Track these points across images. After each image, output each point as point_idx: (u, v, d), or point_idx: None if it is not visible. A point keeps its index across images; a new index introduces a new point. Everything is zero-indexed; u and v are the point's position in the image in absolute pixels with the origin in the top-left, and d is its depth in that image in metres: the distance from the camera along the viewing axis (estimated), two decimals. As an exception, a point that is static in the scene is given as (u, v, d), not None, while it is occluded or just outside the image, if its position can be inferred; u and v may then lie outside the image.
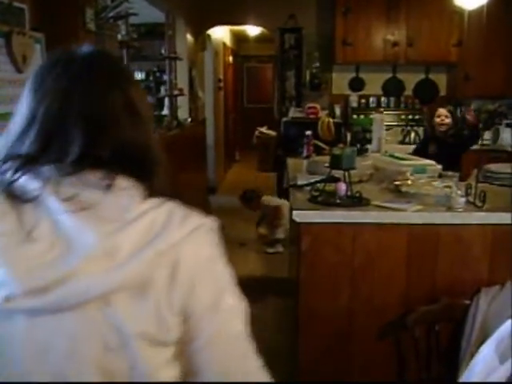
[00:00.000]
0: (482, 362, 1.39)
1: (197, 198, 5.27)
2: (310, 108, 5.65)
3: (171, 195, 0.85)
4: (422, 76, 6.22)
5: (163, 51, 5.66)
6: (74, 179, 0.77)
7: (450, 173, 2.83)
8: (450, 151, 3.77)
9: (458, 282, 2.23)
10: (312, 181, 2.60)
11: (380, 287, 2.27)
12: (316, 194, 2.38)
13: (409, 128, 5.82)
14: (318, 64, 6.33)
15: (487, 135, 5.46)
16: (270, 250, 5.07)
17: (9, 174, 0.78)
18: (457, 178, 2.75)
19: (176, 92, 5.74)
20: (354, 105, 6.31)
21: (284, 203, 4.79)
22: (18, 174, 0.77)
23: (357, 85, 6.33)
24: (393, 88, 6.26)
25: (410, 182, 2.57)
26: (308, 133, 3.81)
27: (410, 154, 3.62)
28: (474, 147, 4.56)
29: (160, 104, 5.85)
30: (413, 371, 2.11)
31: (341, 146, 2.86)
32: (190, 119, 6.07)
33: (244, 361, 0.84)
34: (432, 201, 2.32)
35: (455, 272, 2.25)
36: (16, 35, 2.38)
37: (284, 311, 3.53)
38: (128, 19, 3.94)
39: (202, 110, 7.29)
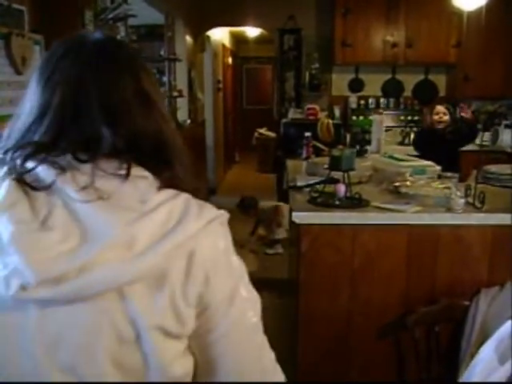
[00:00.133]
0: (482, 362, 1.39)
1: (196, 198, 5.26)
2: (309, 109, 5.66)
3: (192, 186, 0.84)
4: (422, 77, 6.22)
5: (162, 52, 5.67)
6: (89, 168, 0.75)
7: (449, 174, 2.83)
8: (449, 147, 3.78)
9: (458, 283, 2.23)
10: (311, 182, 2.60)
11: (380, 288, 2.27)
12: (315, 195, 2.38)
13: (408, 129, 5.82)
14: (317, 65, 6.33)
15: (486, 136, 5.46)
16: (270, 251, 5.07)
17: (18, 162, 0.76)
18: (456, 179, 2.76)
19: (175, 93, 5.74)
20: (354, 106, 6.30)
21: (283, 204, 4.79)
22: (31, 163, 0.76)
23: (356, 86, 6.33)
24: (392, 89, 6.26)
25: (409, 183, 2.57)
26: (307, 134, 3.81)
27: (409, 155, 3.62)
28: (474, 148, 4.56)
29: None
30: (413, 372, 2.11)
31: (340, 147, 2.86)
32: (189, 120, 6.08)
33: (259, 352, 0.85)
34: (431, 202, 2.32)
35: (455, 273, 2.25)
36: (15, 37, 2.38)
37: (284, 312, 3.53)
38: (127, 21, 3.94)
39: (202, 111, 7.29)
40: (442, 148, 3.73)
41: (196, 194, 0.84)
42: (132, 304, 0.74)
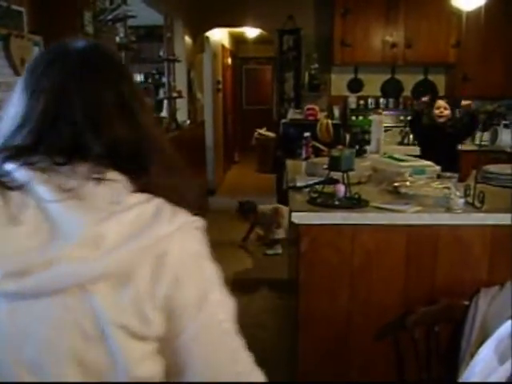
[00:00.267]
0: (482, 362, 1.39)
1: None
2: (308, 109, 5.66)
3: (173, 192, 0.84)
4: (421, 77, 6.23)
5: (162, 53, 5.67)
6: (64, 170, 0.78)
7: (448, 174, 2.83)
8: (450, 143, 3.79)
9: (458, 283, 2.23)
10: (311, 182, 2.60)
11: (379, 288, 2.27)
12: (315, 195, 2.38)
13: (408, 129, 5.82)
14: (316, 65, 6.33)
15: (486, 136, 5.46)
16: (269, 252, 5.07)
17: None
18: (455, 178, 2.75)
19: (175, 94, 5.75)
20: (353, 106, 6.31)
21: (281, 206, 4.80)
22: (10, 165, 0.78)
23: (355, 86, 6.33)
24: (391, 89, 6.26)
25: (408, 183, 2.57)
26: (307, 134, 3.81)
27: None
28: (473, 148, 4.57)
29: (159, 106, 5.86)
30: (412, 372, 2.11)
31: (339, 147, 2.85)
32: (188, 121, 6.08)
33: (233, 355, 0.84)
34: (431, 202, 2.32)
35: (454, 273, 2.25)
36: (14, 38, 2.38)
37: (283, 312, 3.53)
38: (126, 21, 3.95)
39: (201, 111, 7.29)
40: (442, 143, 3.74)
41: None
42: (95, 301, 0.75)
